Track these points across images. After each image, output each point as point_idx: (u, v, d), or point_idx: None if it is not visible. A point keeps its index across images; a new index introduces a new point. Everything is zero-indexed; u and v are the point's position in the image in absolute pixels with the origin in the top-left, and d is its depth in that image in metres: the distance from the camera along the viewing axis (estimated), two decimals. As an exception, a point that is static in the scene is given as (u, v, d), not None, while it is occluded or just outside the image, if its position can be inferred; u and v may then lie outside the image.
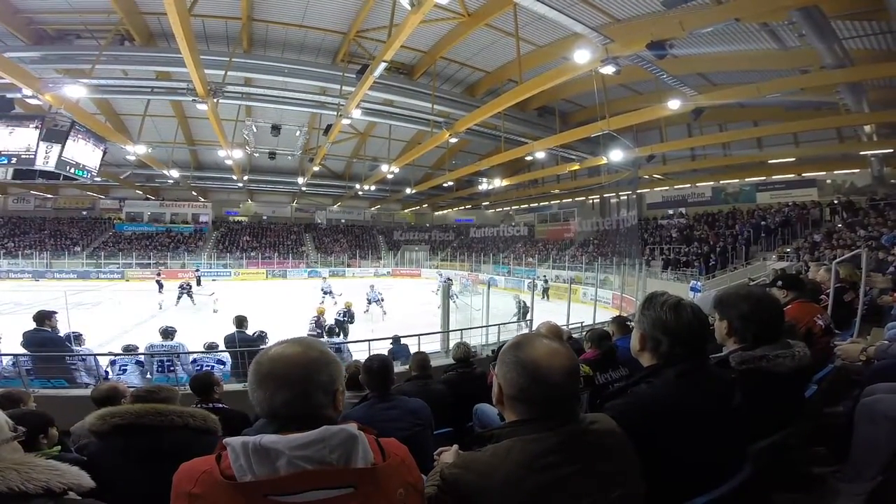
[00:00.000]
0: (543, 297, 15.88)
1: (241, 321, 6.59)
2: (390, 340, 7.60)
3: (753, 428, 1.34)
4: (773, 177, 21.32)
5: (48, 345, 5.32)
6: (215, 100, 13.30)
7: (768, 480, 1.31)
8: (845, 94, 11.22)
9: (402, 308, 17.29)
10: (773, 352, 1.47)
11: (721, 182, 23.36)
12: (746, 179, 22.32)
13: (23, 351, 5.52)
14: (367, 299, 16.25)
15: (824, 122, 13.86)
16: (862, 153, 16.13)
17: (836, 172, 19.20)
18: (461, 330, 8.93)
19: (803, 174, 20.13)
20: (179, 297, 17.03)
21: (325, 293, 17.80)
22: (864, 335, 3.42)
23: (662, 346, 1.30)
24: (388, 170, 21.99)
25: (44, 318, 5.39)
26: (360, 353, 6.19)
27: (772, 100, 12.63)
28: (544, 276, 23.35)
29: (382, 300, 16.16)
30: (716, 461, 1.20)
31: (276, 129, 18.73)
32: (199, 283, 21.80)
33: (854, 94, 11.20)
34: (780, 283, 3.03)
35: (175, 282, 19.15)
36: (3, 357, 5.69)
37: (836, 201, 18.27)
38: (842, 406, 1.67)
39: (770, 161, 19.67)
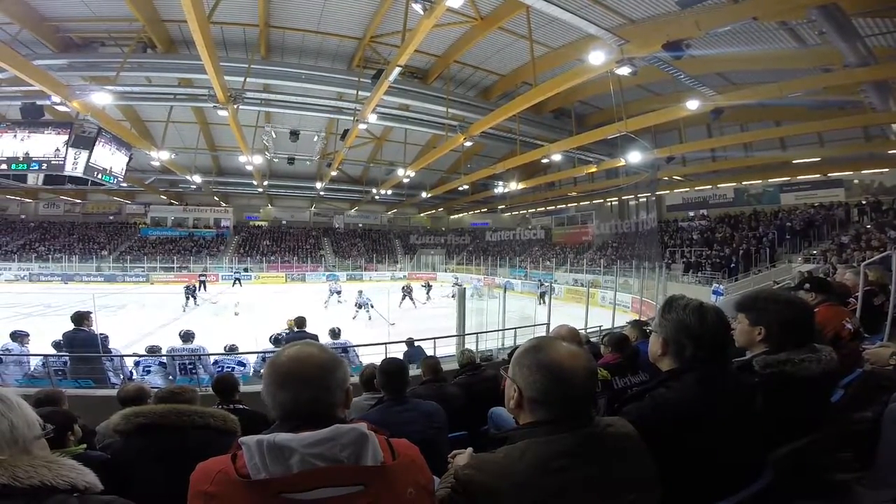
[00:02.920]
0: (540, 302, 15.71)
1: (301, 321, 6.78)
2: (405, 343, 7.63)
3: (776, 433, 1.31)
4: (798, 177, 20.77)
5: (88, 344, 5.51)
6: (235, 106, 13.58)
7: (790, 486, 1.27)
8: (870, 92, 10.89)
9: (418, 311, 17.34)
10: (799, 356, 1.43)
11: (743, 183, 22.87)
12: (770, 180, 21.80)
13: (51, 351, 5.70)
14: (357, 304, 15.83)
15: (849, 121, 13.46)
16: (890, 152, 15.61)
17: (863, 172, 18.64)
18: (477, 333, 8.90)
19: (829, 174, 19.56)
20: (188, 299, 17.62)
21: (405, 294, 18.96)
22: (895, 339, 3.30)
23: (686, 350, 1.27)
24: (404, 174, 22.13)
25: (82, 318, 5.60)
26: (373, 357, 6.22)
27: (794, 99, 12.33)
28: (540, 279, 22.96)
29: (372, 306, 15.65)
30: (735, 466, 1.17)
31: (294, 134, 19.01)
32: (240, 284, 24.13)
33: (879, 92, 10.86)
34: (807, 285, 2.95)
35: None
36: (31, 357, 5.89)
37: (863, 202, 17.75)
38: (870, 412, 1.62)
39: (794, 161, 19.18)
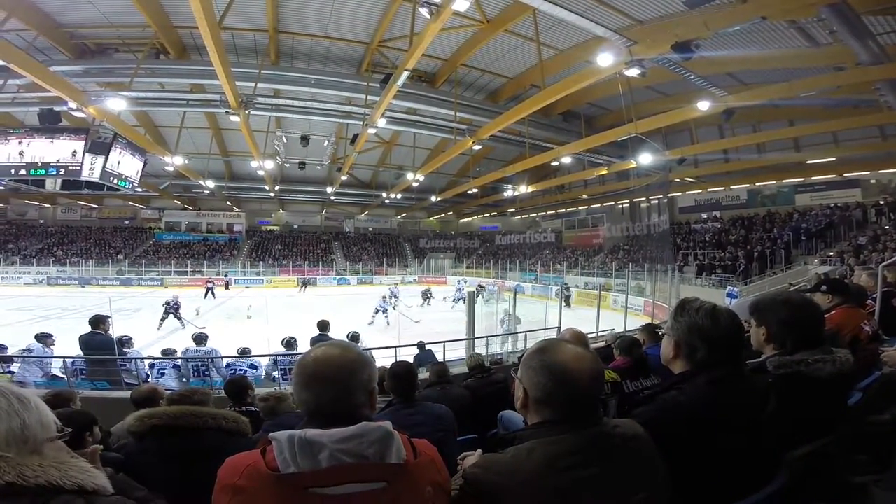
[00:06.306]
0: (566, 306, 15.56)
1: (324, 325, 6.88)
2: (416, 347, 7.63)
3: (791, 435, 1.29)
4: (813, 178, 20.42)
5: (103, 348, 5.60)
6: (247, 111, 13.74)
7: (805, 488, 1.26)
8: (885, 91, 10.69)
9: (427, 315, 17.35)
10: (813, 357, 1.42)
11: (757, 184, 22.53)
12: (784, 181, 21.44)
13: (70, 353, 5.80)
14: (375, 309, 15.77)
15: (865, 120, 13.25)
16: (908, 151, 15.29)
17: (880, 172, 18.25)
18: (487, 337, 8.88)
19: (845, 174, 19.20)
20: (163, 319, 14.38)
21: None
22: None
23: (699, 352, 1.27)
24: (414, 178, 22.20)
25: (99, 322, 5.69)
26: (385, 360, 6.23)
27: (807, 99, 12.17)
28: (565, 283, 22.87)
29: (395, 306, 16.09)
30: (748, 469, 1.17)
31: (305, 139, 19.17)
32: (213, 295, 22.30)
33: (895, 90, 10.67)
34: (824, 287, 2.90)
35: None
36: (54, 359, 6.00)
37: (881, 202, 17.37)
38: (888, 414, 1.59)
39: (808, 162, 18.86)
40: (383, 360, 6.51)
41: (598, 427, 1.01)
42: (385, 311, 15.80)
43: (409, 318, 16.06)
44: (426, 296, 21.38)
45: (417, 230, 42.39)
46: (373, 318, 15.43)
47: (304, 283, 27.99)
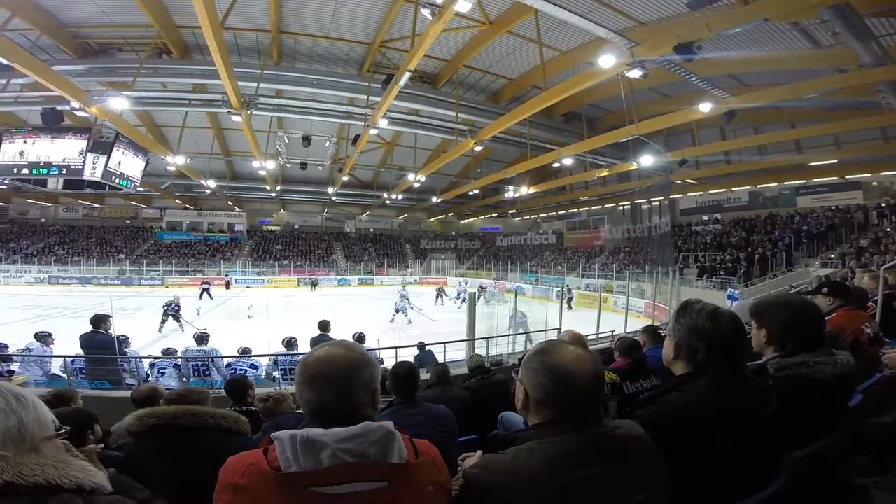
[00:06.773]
0: (569, 308, 15.60)
1: (324, 325, 6.87)
2: (416, 347, 7.63)
3: (791, 436, 1.29)
4: (815, 180, 20.40)
5: (104, 347, 5.59)
6: (249, 111, 13.76)
7: (805, 489, 1.26)
8: (887, 92, 10.68)
9: (438, 313, 17.38)
10: (814, 359, 1.42)
11: (758, 186, 22.53)
12: (785, 183, 21.43)
13: (71, 352, 5.80)
14: (395, 308, 16.28)
15: (867, 122, 13.29)
16: (910, 153, 15.27)
17: (881, 174, 18.24)
18: (487, 338, 8.86)
19: (846, 176, 19.19)
20: (163, 322, 13.64)
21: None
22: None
23: (699, 354, 1.27)
24: (415, 178, 22.21)
25: (100, 321, 5.67)
26: (387, 360, 6.24)
27: (809, 101, 12.15)
28: (566, 286, 22.83)
29: (410, 307, 16.57)
30: (748, 470, 1.16)
31: (306, 139, 19.21)
32: (209, 296, 21.88)
33: (897, 92, 10.67)
34: (825, 289, 2.89)
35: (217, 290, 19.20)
36: (53, 358, 5.99)
37: (882, 204, 17.33)
38: (889, 416, 1.59)
39: (810, 164, 18.84)
40: (389, 360, 6.54)
41: (599, 428, 1.01)
42: (405, 310, 16.11)
43: (427, 317, 16.53)
44: (440, 293, 21.62)
45: (418, 231, 42.41)
46: (393, 316, 15.84)
47: (314, 283, 28.62)
